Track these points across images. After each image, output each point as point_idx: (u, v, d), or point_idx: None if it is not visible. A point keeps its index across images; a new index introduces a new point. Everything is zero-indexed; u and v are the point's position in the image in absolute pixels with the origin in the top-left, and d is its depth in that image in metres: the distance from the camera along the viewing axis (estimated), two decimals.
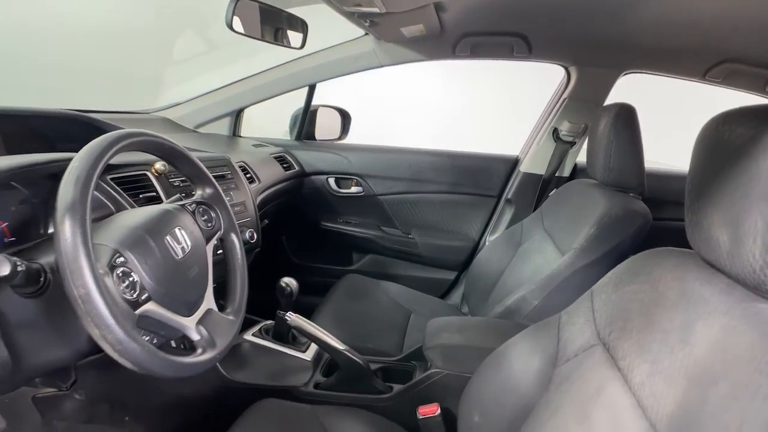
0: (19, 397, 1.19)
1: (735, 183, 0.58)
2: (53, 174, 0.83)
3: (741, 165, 0.57)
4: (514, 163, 1.97)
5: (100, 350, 0.77)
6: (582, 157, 1.82)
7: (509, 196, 1.95)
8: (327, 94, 2.03)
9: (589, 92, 1.77)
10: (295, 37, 1.44)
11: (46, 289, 0.68)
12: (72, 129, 1.09)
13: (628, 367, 0.68)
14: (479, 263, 1.78)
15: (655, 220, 1.32)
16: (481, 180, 1.99)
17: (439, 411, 1.11)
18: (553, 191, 1.81)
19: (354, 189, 2.04)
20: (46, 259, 0.69)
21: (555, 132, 1.84)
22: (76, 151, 0.72)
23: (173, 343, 1.01)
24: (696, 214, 0.66)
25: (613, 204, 1.31)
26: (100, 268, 0.61)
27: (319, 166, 2.02)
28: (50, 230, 0.85)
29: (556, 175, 1.89)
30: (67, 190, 0.62)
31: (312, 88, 1.96)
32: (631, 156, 1.33)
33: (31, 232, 0.83)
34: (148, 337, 0.74)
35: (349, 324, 1.50)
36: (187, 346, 0.98)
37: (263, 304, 1.38)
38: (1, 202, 0.80)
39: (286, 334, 1.26)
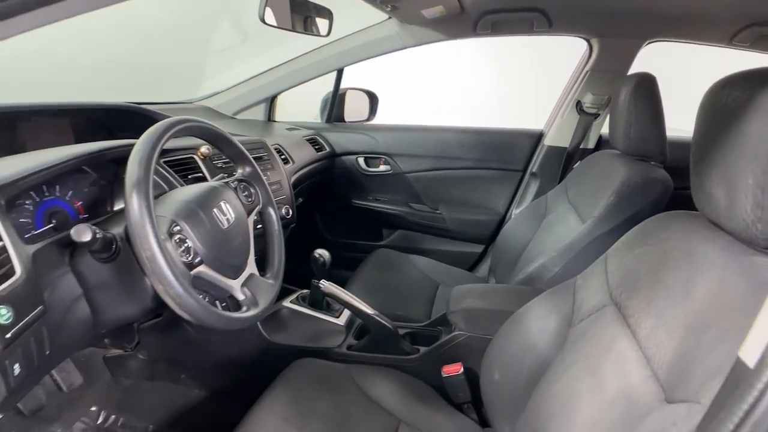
0: (92, 357, 1.36)
1: (730, 144, 0.62)
2: (116, 158, 0.95)
3: (735, 127, 0.62)
4: (539, 137, 2.01)
5: (162, 309, 0.90)
6: (607, 129, 1.83)
7: (534, 170, 1.99)
8: (355, 76, 2.10)
9: (611, 63, 1.77)
10: (321, 24, 1.52)
11: (117, 255, 0.81)
12: (128, 119, 1.22)
13: (636, 323, 0.73)
14: (505, 236, 1.83)
15: (679, 188, 1.34)
16: (506, 155, 2.04)
17: (462, 370, 1.19)
18: (578, 163, 1.84)
19: (382, 167, 2.12)
20: (116, 230, 0.81)
21: (578, 104, 1.86)
22: (134, 138, 0.84)
23: (218, 306, 1.14)
24: (699, 176, 0.70)
25: (632, 173, 1.34)
26: (161, 235, 0.73)
27: (348, 146, 2.11)
28: (116, 207, 0.98)
29: (581, 147, 1.91)
30: (132, 169, 0.73)
31: (340, 73, 2.04)
32: (651, 125, 1.35)
33: (99, 209, 0.97)
34: (200, 296, 0.86)
35: (380, 294, 1.59)
36: (232, 308, 1.11)
37: (300, 276, 1.49)
38: (76, 185, 0.94)
39: (320, 301, 1.38)
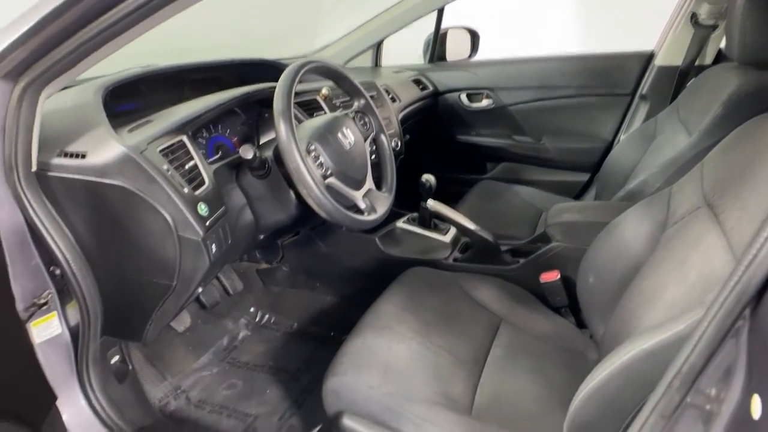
0: (248, 269, 1.70)
1: None
2: (259, 100, 1.19)
3: None
4: (649, 57, 1.92)
5: (302, 218, 1.14)
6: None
7: (644, 92, 1.92)
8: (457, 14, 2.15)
9: None
10: None
11: (269, 173, 1.05)
12: (261, 71, 1.46)
13: (725, 219, 0.78)
14: (611, 161, 1.83)
15: None
16: (612, 79, 1.98)
17: (559, 276, 1.30)
18: (692, 80, 1.76)
19: (485, 102, 2.18)
20: (266, 154, 1.05)
21: (693, 17, 1.75)
22: None
23: None
24: None
25: (744, 81, 1.28)
26: (301, 151, 0.94)
27: (451, 84, 2.20)
28: (261, 141, 1.24)
29: (697, 63, 1.81)
30: (278, 101, 0.95)
31: (440, 12, 2.11)
32: None
33: (249, 142, 1.22)
34: None
35: (483, 218, 1.66)
36: None
37: (410, 205, 1.67)
38: (231, 124, 1.20)
39: (428, 221, 1.55)
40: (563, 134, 2.13)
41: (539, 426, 0.90)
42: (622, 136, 1.99)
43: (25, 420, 0.78)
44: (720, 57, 1.81)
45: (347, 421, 0.93)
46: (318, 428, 1.24)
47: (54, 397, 0.86)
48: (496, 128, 2.22)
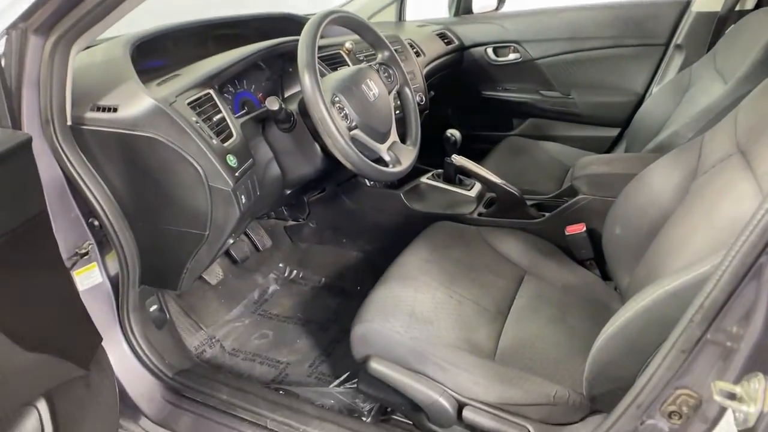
0: (276, 226, 1.73)
1: None
2: (284, 53, 1.19)
3: None
4: (686, 4, 1.82)
5: (327, 171, 1.15)
6: None
7: (679, 42, 1.84)
8: None
9: None
10: None
11: (294, 126, 1.06)
12: (284, 26, 1.45)
13: (758, 165, 0.76)
14: (642, 115, 1.77)
15: None
16: (646, 28, 1.90)
17: (585, 228, 1.29)
18: (731, 27, 1.67)
19: (512, 56, 2.12)
20: (291, 107, 1.06)
21: None
22: None
23: None
24: None
25: None
26: (326, 102, 0.95)
27: (477, 38, 2.13)
28: (286, 95, 1.24)
29: (737, 9, 1.71)
30: (302, 52, 0.95)
31: None
32: None
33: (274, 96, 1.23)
34: None
35: (509, 175, 1.65)
36: None
37: (434, 163, 1.66)
38: (256, 78, 1.21)
39: (453, 177, 1.55)
40: (593, 88, 2.06)
41: (560, 370, 0.92)
42: (655, 89, 1.92)
43: (75, 357, 0.84)
44: (762, 1, 1.70)
45: (375, 365, 0.96)
46: (346, 375, 1.29)
47: (100, 338, 0.92)
48: (523, 83, 2.16)
